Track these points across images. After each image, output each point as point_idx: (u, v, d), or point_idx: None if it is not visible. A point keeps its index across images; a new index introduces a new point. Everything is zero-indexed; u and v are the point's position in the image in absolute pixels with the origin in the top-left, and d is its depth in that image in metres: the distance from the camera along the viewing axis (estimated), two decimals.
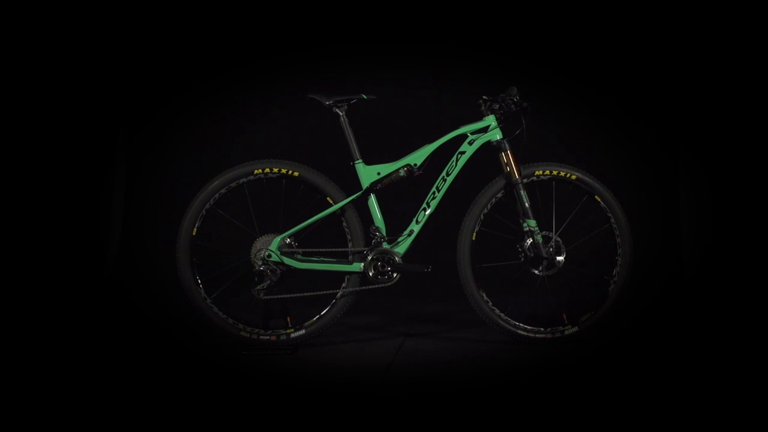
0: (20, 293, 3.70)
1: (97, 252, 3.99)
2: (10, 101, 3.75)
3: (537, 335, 3.16)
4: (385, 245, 3.12)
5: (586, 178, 3.19)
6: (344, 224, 3.15)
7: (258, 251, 3.07)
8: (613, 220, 3.21)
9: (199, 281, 3.08)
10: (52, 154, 3.86)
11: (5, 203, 3.75)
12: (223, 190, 3.08)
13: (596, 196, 3.20)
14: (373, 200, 3.14)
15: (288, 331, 3.11)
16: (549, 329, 3.17)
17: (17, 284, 3.73)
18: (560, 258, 3.16)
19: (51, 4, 3.76)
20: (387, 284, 3.12)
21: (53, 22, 3.78)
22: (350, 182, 3.14)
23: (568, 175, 3.19)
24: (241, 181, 3.09)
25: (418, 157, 3.14)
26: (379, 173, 3.13)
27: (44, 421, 2.31)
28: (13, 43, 3.72)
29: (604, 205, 3.20)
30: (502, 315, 3.17)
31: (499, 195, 3.18)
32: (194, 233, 3.07)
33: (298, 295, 3.10)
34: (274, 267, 3.07)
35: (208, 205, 3.08)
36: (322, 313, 3.13)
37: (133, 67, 3.97)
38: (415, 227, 3.15)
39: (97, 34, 3.87)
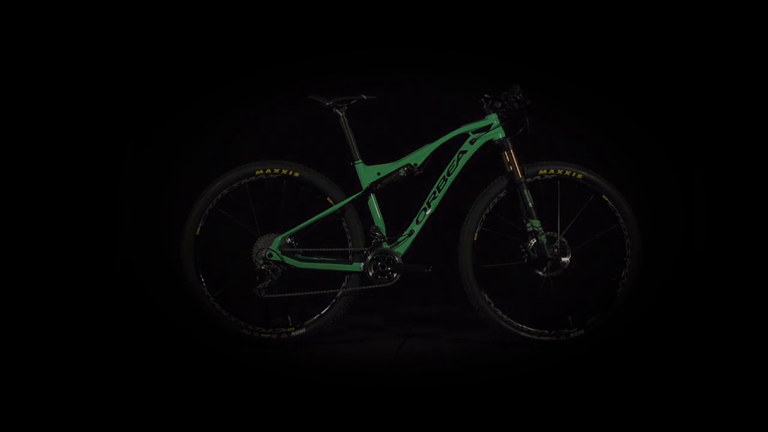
0: (34, 290, 3.84)
1: (106, 251, 4.09)
2: (24, 109, 3.89)
3: (541, 337, 3.10)
4: (385, 245, 3.12)
5: (593, 177, 3.11)
6: (344, 224, 3.15)
7: (259, 251, 3.10)
8: (621, 221, 3.12)
9: (203, 280, 3.15)
10: (61, 157, 3.97)
11: (18, 208, 3.88)
12: (225, 191, 3.13)
13: (603, 196, 3.12)
14: (373, 200, 3.13)
15: (288, 329, 3.14)
16: (553, 331, 3.10)
17: (33, 281, 3.86)
18: (565, 259, 3.09)
19: (60, 20, 3.88)
20: (387, 284, 3.11)
21: (62, 34, 3.91)
22: (350, 182, 3.14)
23: (574, 174, 3.11)
24: (243, 181, 3.14)
25: (418, 157, 3.12)
26: (379, 173, 3.13)
27: (55, 408, 2.38)
28: (24, 53, 3.86)
29: (612, 205, 3.11)
30: (504, 316, 3.11)
31: (502, 195, 3.13)
32: (198, 233, 3.13)
33: (299, 294, 3.13)
34: (275, 266, 3.10)
35: (210, 206, 3.13)
36: (322, 313, 3.14)
37: (141, 72, 4.07)
38: (416, 227, 3.13)
39: (103, 44, 3.99)
